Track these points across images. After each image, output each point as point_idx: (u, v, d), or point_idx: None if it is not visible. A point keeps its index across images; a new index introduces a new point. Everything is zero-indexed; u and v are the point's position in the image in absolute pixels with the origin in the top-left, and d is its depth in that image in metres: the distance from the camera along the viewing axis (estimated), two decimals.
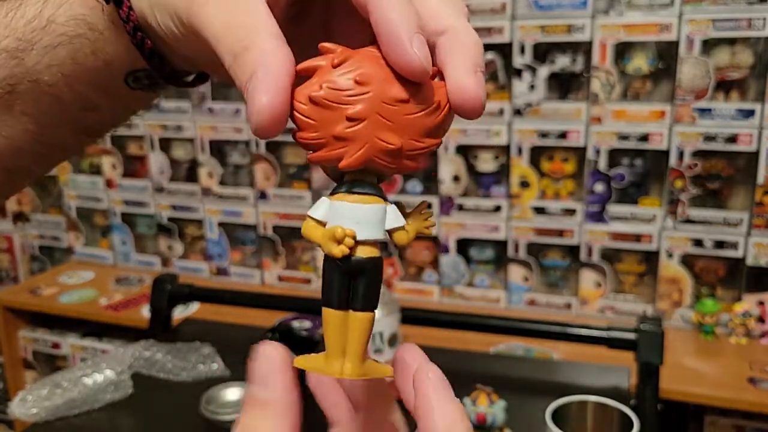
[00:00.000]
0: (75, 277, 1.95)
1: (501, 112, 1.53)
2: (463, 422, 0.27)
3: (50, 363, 1.90)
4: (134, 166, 1.95)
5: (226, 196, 1.85)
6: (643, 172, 1.48)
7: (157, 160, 1.91)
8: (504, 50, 1.50)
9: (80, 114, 0.35)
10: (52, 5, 0.32)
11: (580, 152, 1.51)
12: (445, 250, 1.66)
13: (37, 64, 0.32)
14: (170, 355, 1.14)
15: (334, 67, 0.27)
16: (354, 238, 0.28)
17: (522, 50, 1.49)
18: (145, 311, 1.64)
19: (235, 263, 1.90)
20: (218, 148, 1.83)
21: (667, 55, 1.41)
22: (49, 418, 1.00)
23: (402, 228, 0.29)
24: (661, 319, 1.07)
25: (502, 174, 1.57)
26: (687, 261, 1.48)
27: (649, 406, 0.99)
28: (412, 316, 1.14)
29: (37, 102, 0.33)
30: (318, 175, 1.73)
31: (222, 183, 1.85)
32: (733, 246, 1.44)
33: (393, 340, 1.00)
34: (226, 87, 1.73)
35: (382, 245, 0.29)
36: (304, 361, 0.29)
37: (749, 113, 1.37)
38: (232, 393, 1.02)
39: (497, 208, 1.59)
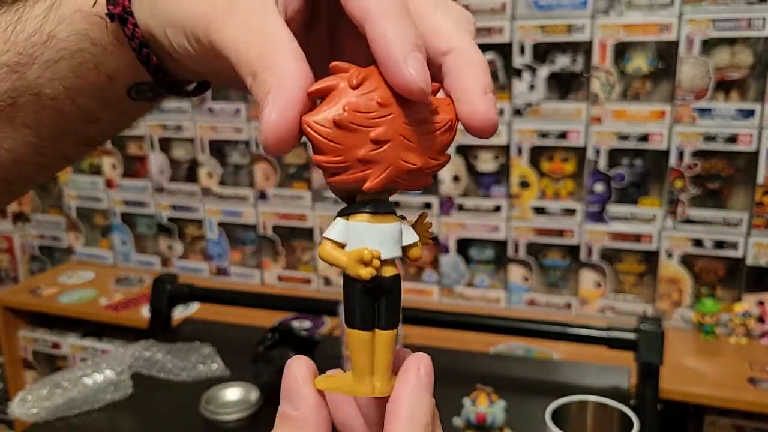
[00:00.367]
0: (75, 277, 1.95)
1: (501, 112, 1.53)
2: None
3: (50, 363, 1.90)
4: (134, 166, 1.95)
5: (226, 196, 1.85)
6: (643, 172, 1.48)
7: (157, 160, 1.91)
8: (504, 50, 1.50)
9: (82, 125, 0.35)
10: (53, 20, 0.32)
11: (580, 152, 1.51)
12: (445, 250, 1.66)
13: (39, 78, 0.32)
14: (170, 355, 1.14)
15: (353, 88, 0.26)
16: (379, 258, 0.28)
17: (522, 50, 1.49)
18: (145, 311, 1.64)
19: (235, 263, 1.90)
20: (218, 148, 1.83)
21: (667, 55, 1.41)
22: (49, 418, 1.00)
23: (416, 243, 0.30)
24: (661, 319, 1.07)
25: (502, 174, 1.57)
26: (687, 261, 1.48)
27: (649, 406, 0.99)
28: (412, 316, 1.14)
29: (38, 115, 0.33)
30: (318, 176, 1.73)
31: (222, 183, 1.85)
32: (733, 246, 1.44)
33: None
34: (226, 88, 1.73)
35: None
36: (327, 382, 0.29)
37: (749, 113, 1.37)
38: (232, 393, 1.02)
39: (497, 208, 1.59)
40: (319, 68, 0.28)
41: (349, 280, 0.28)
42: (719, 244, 1.45)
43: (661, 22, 1.39)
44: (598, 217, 1.53)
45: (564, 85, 1.49)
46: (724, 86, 1.38)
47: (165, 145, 1.89)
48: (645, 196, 1.49)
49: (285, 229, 1.81)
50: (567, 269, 1.59)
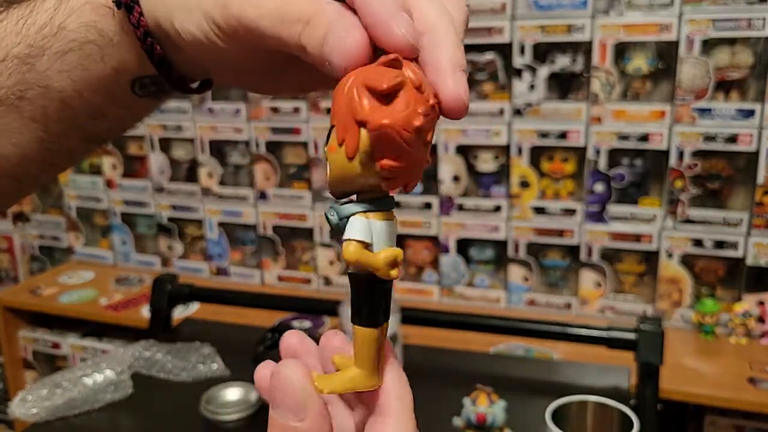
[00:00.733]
0: (75, 277, 1.95)
1: (501, 112, 1.53)
2: None
3: (50, 363, 1.90)
4: (134, 166, 1.95)
5: (226, 196, 1.85)
6: (643, 172, 1.48)
7: (157, 160, 1.91)
8: (504, 50, 1.50)
9: (88, 121, 0.35)
10: (63, 12, 0.33)
11: (580, 152, 1.51)
12: (445, 250, 1.66)
13: (48, 70, 0.33)
14: (170, 355, 1.14)
15: (417, 89, 0.26)
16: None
17: (522, 50, 1.49)
18: (145, 311, 1.64)
19: (235, 263, 1.90)
20: (218, 148, 1.83)
21: (667, 55, 1.41)
22: (49, 418, 1.00)
23: None
24: (661, 319, 1.07)
25: (502, 174, 1.57)
26: (687, 261, 1.48)
27: (649, 406, 0.99)
28: (412, 316, 1.14)
29: (46, 109, 0.34)
30: (318, 176, 1.73)
31: (222, 183, 1.85)
32: (733, 246, 1.44)
33: (393, 341, 1.00)
34: (227, 88, 1.73)
35: None
36: (333, 384, 0.28)
37: (749, 113, 1.37)
38: (232, 393, 1.02)
39: (497, 208, 1.59)
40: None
41: (373, 281, 0.28)
42: (719, 244, 1.45)
43: (661, 22, 1.39)
44: (598, 217, 1.53)
45: (564, 85, 1.49)
46: (724, 86, 1.38)
47: (165, 145, 1.89)
48: (645, 196, 1.49)
49: (285, 229, 1.81)
50: (567, 269, 1.59)
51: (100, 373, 1.09)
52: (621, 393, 1.06)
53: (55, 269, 2.05)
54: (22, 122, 0.34)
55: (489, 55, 1.52)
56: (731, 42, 1.36)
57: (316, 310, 1.33)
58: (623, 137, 1.46)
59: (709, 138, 1.40)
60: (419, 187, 1.64)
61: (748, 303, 1.43)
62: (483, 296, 1.66)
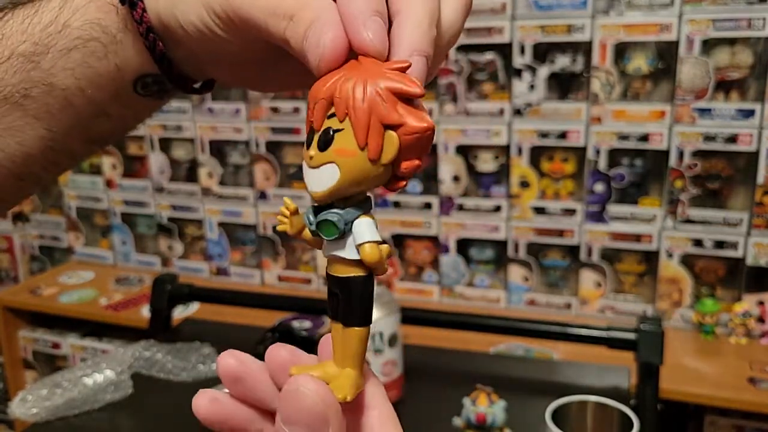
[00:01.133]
0: (75, 277, 1.95)
1: (501, 112, 1.53)
2: None
3: (50, 363, 1.90)
4: (134, 166, 1.95)
5: (226, 196, 1.85)
6: (643, 172, 1.48)
7: (157, 160, 1.91)
8: (504, 50, 1.50)
9: (91, 120, 0.36)
10: (69, 10, 0.33)
11: (580, 152, 1.50)
12: (445, 250, 1.66)
13: (52, 68, 0.33)
14: (170, 355, 1.14)
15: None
16: None
17: (522, 50, 1.49)
18: (145, 311, 1.64)
19: (235, 263, 1.90)
20: (218, 148, 1.83)
21: (667, 55, 1.41)
22: (49, 418, 1.00)
23: None
24: (661, 319, 1.07)
25: (502, 174, 1.57)
26: (687, 261, 1.48)
27: (649, 406, 0.99)
28: (412, 316, 1.14)
29: (49, 107, 0.34)
30: None
31: (222, 183, 1.85)
32: (733, 246, 1.44)
33: (393, 340, 1.00)
34: (227, 88, 1.73)
35: None
36: (344, 388, 0.27)
37: (749, 113, 1.37)
38: None
39: (497, 208, 1.59)
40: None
41: (370, 279, 0.28)
42: (719, 244, 1.45)
43: (661, 22, 1.39)
44: (598, 217, 1.53)
45: (564, 85, 1.49)
46: (724, 86, 1.38)
47: (165, 145, 1.89)
48: (645, 196, 1.49)
49: None
50: (567, 269, 1.59)
51: (100, 373, 1.08)
52: (621, 393, 1.06)
53: (55, 269, 2.05)
54: (27, 120, 0.34)
55: (489, 55, 1.52)
56: (731, 42, 1.36)
57: (316, 310, 1.33)
58: (623, 137, 1.46)
59: (709, 138, 1.40)
60: (419, 187, 1.65)
61: (748, 303, 1.43)
62: (483, 296, 1.66)
